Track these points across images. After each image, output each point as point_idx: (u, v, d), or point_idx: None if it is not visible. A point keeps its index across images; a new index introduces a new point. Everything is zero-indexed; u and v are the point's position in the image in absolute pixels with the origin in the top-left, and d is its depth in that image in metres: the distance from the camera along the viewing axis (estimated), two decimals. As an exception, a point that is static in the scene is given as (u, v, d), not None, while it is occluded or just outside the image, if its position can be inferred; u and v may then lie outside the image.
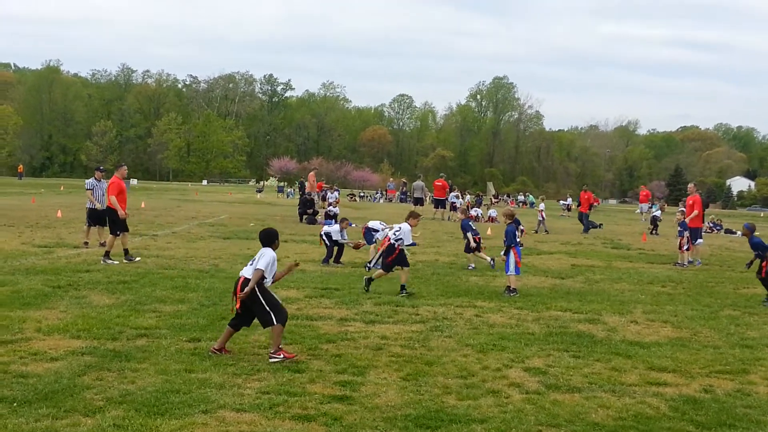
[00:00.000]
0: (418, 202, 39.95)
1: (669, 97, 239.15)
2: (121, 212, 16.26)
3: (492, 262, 17.18)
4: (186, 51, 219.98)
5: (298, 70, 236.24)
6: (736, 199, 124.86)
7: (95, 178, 18.98)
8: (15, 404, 6.46)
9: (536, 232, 31.50)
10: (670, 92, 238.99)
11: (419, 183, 41.69)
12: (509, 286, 13.73)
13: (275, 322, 8.37)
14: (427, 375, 7.98)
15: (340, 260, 17.64)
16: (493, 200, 70.05)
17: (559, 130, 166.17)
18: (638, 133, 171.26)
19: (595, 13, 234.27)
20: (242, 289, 8.38)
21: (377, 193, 78.96)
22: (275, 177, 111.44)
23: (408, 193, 58.74)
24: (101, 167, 20.37)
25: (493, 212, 41.83)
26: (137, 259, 16.15)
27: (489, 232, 29.65)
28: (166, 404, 6.63)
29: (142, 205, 38.23)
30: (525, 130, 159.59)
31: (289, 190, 74.51)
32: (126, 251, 16.25)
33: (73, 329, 9.30)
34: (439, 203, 39.03)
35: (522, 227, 22.89)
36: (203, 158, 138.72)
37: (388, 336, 9.78)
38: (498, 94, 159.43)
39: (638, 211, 48.84)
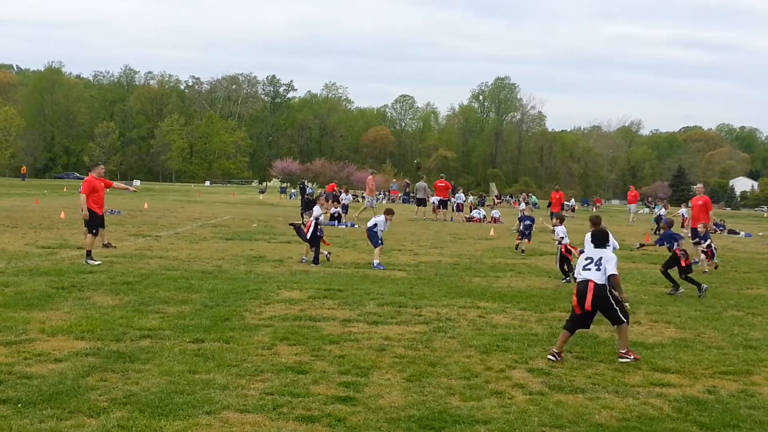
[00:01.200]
0: (421, 202, 39.98)
1: (672, 97, 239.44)
2: (84, 212, 15.96)
3: (328, 256, 17.04)
4: (189, 54, 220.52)
5: (300, 72, 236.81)
6: (739, 199, 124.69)
7: None
8: (19, 405, 6.48)
9: (515, 230, 31.60)
10: (672, 93, 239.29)
11: (422, 183, 41.73)
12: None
13: (624, 320, 8.87)
14: (431, 376, 7.98)
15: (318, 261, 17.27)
16: (496, 201, 70.11)
17: (562, 131, 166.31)
18: (641, 133, 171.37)
19: (598, 15, 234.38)
20: (595, 294, 8.75)
21: (380, 193, 78.97)
22: (278, 178, 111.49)
23: (411, 194, 58.75)
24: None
25: (496, 213, 41.85)
26: (98, 262, 15.50)
27: (492, 233, 29.65)
28: (170, 405, 6.64)
29: (145, 206, 38.30)
30: (527, 131, 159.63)
31: (292, 191, 74.54)
32: (89, 252, 15.78)
33: (76, 330, 9.31)
34: (440, 203, 39.06)
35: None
36: (206, 159, 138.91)
37: (391, 337, 9.78)
38: (500, 95, 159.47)
39: (629, 210, 48.62)
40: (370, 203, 35.71)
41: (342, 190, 45.02)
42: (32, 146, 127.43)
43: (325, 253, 17.57)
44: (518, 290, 14.48)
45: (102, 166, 17.44)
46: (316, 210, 17.80)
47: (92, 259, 15.60)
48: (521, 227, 21.99)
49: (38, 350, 8.31)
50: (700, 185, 23.60)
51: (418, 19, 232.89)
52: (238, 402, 6.83)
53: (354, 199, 64.29)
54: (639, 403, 7.36)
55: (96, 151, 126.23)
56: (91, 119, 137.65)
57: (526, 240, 21.76)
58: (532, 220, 22.15)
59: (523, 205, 35.60)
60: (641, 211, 65.71)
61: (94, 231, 16.04)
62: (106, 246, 17.25)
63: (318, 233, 17.32)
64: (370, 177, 38.14)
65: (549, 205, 36.58)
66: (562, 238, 16.41)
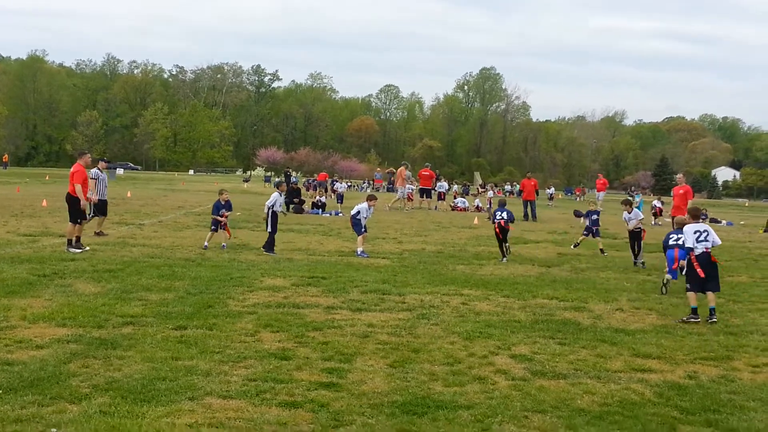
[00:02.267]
0: (406, 192, 39.97)
1: (655, 88, 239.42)
2: (83, 201, 16.08)
3: (223, 245, 17.06)
4: (174, 43, 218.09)
5: (285, 62, 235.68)
6: (721, 189, 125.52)
7: (98, 169, 19.51)
8: (0, 391, 6.44)
9: (489, 219, 31.76)
10: (656, 84, 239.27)
11: (407, 173, 41.70)
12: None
13: None
14: (414, 362, 8.00)
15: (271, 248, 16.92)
16: (480, 190, 70.18)
17: (546, 121, 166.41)
18: (625, 123, 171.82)
19: (583, 7, 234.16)
20: None
21: (364, 182, 78.96)
22: (262, 167, 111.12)
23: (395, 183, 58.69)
24: (105, 158, 22.68)
25: (479, 202, 41.91)
26: (87, 248, 15.57)
27: (476, 221, 29.70)
28: (152, 391, 6.62)
29: (128, 195, 38.07)
30: (512, 121, 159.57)
31: (276, 179, 74.39)
32: (78, 239, 15.84)
33: (58, 317, 9.27)
34: (425, 193, 39.06)
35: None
36: (190, 148, 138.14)
37: (374, 324, 9.80)
38: (485, 85, 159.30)
39: (597, 199, 48.60)
40: (402, 194, 36.14)
41: (336, 179, 45.10)
42: (14, 135, 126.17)
43: (223, 244, 17.34)
44: (501, 278, 14.53)
45: (89, 155, 17.50)
46: (273, 197, 17.56)
47: (74, 248, 15.53)
48: (588, 222, 20.08)
49: (19, 337, 8.26)
50: (681, 175, 23.73)
51: (403, 10, 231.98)
52: (221, 388, 6.82)
53: (349, 187, 64.49)
54: (620, 388, 7.41)
55: (79, 139, 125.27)
56: (74, 108, 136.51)
57: (599, 238, 19.87)
58: (598, 214, 20.47)
59: (491, 193, 35.63)
60: (625, 201, 65.64)
61: (79, 221, 16.02)
62: (97, 234, 17.16)
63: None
64: (402, 168, 38.52)
65: (520, 193, 36.36)
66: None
